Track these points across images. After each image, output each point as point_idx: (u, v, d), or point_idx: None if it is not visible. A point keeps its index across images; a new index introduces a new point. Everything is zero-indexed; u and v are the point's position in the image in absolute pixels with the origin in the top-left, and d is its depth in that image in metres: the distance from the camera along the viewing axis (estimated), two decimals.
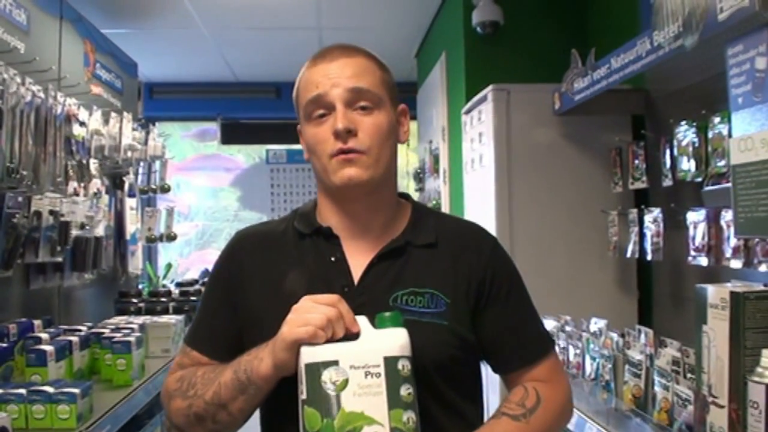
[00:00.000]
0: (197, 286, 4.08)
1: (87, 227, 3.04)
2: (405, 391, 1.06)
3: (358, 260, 1.26)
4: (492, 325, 1.27)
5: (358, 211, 1.28)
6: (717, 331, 1.50)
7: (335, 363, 1.06)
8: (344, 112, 1.22)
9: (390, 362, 1.06)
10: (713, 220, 2.08)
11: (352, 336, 1.10)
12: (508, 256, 1.36)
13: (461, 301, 1.25)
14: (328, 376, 1.05)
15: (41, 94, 2.62)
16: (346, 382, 1.05)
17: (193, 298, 3.67)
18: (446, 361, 1.22)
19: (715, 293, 1.51)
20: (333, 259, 1.27)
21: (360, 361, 1.06)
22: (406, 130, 1.35)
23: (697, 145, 2.16)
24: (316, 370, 1.06)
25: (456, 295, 1.24)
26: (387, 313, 1.12)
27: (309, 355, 1.07)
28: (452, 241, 1.31)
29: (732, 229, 1.88)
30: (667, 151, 2.35)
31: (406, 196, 1.39)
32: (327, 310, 1.09)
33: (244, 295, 1.29)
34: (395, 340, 1.09)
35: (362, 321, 1.12)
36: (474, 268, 1.27)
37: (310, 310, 1.09)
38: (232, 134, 6.45)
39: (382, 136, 1.25)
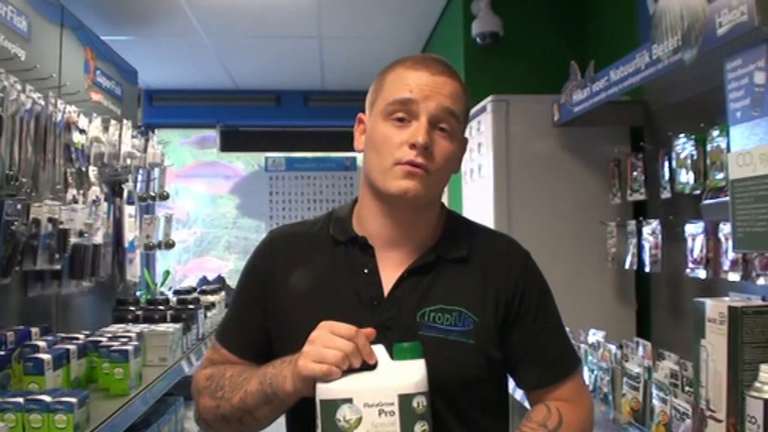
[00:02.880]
0: (195, 294, 4.08)
1: (85, 235, 3.04)
2: (419, 428, 1.06)
3: (389, 273, 1.26)
4: (518, 343, 1.26)
5: (401, 222, 1.27)
6: (715, 345, 1.50)
7: (349, 401, 1.05)
8: (428, 128, 1.20)
9: (404, 400, 1.05)
10: (711, 233, 2.09)
11: (368, 366, 1.09)
12: (539, 271, 1.35)
13: (489, 319, 1.24)
14: (342, 413, 1.05)
15: (41, 102, 2.62)
16: (359, 420, 1.05)
17: (190, 306, 3.66)
18: (471, 381, 1.22)
19: (713, 308, 1.51)
20: (366, 270, 1.26)
21: (374, 399, 1.05)
22: (461, 162, 1.35)
23: (695, 157, 2.17)
24: (330, 406, 1.06)
25: (484, 312, 1.24)
26: (405, 344, 1.11)
27: (323, 391, 1.07)
28: (484, 255, 1.30)
29: (730, 242, 1.88)
30: (666, 164, 2.35)
31: (441, 206, 1.37)
32: (344, 345, 1.07)
33: (274, 296, 1.29)
34: (411, 375, 1.08)
35: (380, 351, 1.11)
36: (504, 284, 1.27)
37: (327, 344, 1.08)
38: (232, 141, 6.46)
39: (450, 163, 1.25)
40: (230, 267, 6.58)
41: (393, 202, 1.25)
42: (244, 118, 6.35)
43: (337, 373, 1.06)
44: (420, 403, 1.06)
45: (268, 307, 1.30)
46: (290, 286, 1.28)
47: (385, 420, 1.05)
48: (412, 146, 1.19)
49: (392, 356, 1.10)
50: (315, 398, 1.08)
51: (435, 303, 1.22)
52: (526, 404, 1.36)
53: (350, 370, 1.08)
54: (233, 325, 1.37)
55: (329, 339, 1.08)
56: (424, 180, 1.20)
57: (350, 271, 1.27)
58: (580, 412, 1.28)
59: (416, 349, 1.10)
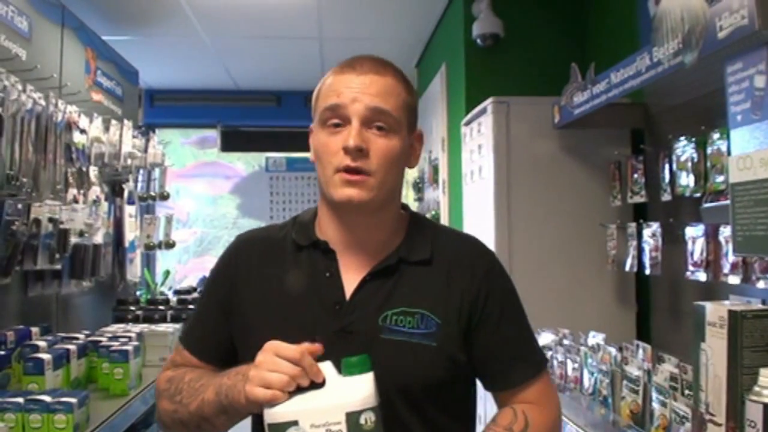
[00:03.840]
0: (195, 294, 4.08)
1: (86, 234, 3.04)
2: None
3: (352, 276, 1.24)
4: (483, 345, 1.25)
5: (357, 226, 1.26)
6: (715, 349, 1.50)
7: (295, 423, 1.04)
8: (359, 129, 1.19)
9: (352, 418, 1.04)
10: (712, 236, 2.09)
11: (316, 385, 1.07)
12: (505, 273, 1.33)
13: (453, 321, 1.22)
14: None
15: (42, 102, 2.63)
16: None
17: (190, 306, 3.66)
18: (434, 383, 1.21)
19: (713, 311, 1.51)
20: (328, 274, 1.25)
21: (320, 419, 1.04)
22: (418, 155, 1.34)
23: (696, 160, 2.17)
24: (277, 430, 1.05)
25: (448, 314, 1.22)
26: (353, 358, 1.08)
27: (270, 416, 1.06)
28: (448, 257, 1.28)
29: (731, 245, 1.88)
30: (666, 166, 2.35)
31: (404, 207, 1.36)
32: (289, 369, 1.05)
33: (238, 301, 1.29)
34: (358, 392, 1.06)
35: (327, 368, 1.09)
36: (468, 286, 1.25)
37: (272, 368, 1.06)
38: (232, 142, 6.46)
39: (391, 161, 1.22)
40: None
41: (342, 210, 1.24)
42: (244, 119, 6.35)
43: (281, 397, 1.05)
44: (368, 419, 1.04)
45: (233, 311, 1.29)
46: (254, 291, 1.28)
47: None
48: (346, 151, 1.18)
49: (340, 371, 1.08)
50: (264, 422, 1.07)
51: (397, 306, 1.21)
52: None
53: (299, 389, 1.06)
54: (197, 329, 1.35)
55: (274, 363, 1.07)
56: (365, 184, 1.19)
57: (312, 275, 1.26)
58: (547, 414, 1.26)
59: (364, 363, 1.08)
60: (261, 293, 1.27)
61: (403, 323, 1.20)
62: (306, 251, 1.28)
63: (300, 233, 1.30)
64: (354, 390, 1.06)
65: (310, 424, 1.03)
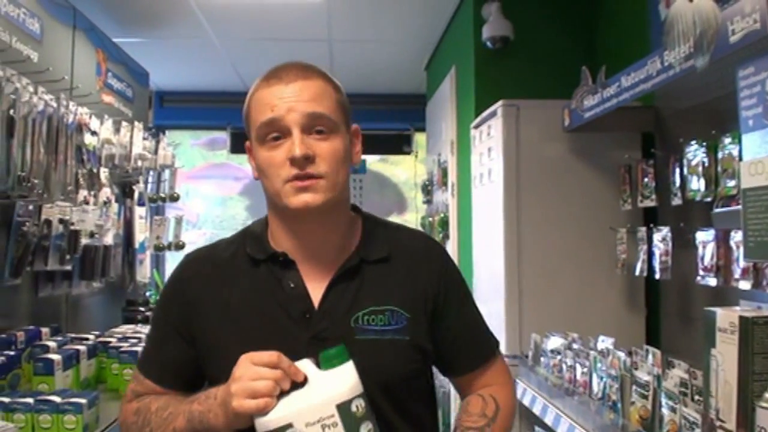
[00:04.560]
0: None
1: (96, 236, 3.06)
2: (365, 429, 1.07)
3: (316, 284, 1.25)
4: (446, 332, 1.30)
5: (312, 232, 1.26)
6: (725, 355, 1.49)
7: (290, 426, 1.04)
8: (301, 138, 1.19)
9: (343, 408, 1.05)
10: (722, 241, 2.07)
11: (299, 384, 1.08)
12: (452, 260, 1.40)
13: (420, 314, 1.27)
14: None
15: (53, 104, 2.64)
16: None
17: None
18: (410, 375, 1.25)
19: (724, 317, 1.50)
20: (292, 285, 1.25)
21: (313, 417, 1.05)
22: (358, 150, 1.34)
23: (707, 164, 2.16)
24: None
25: (415, 307, 1.26)
26: (331, 350, 1.09)
27: (263, 425, 1.06)
28: (405, 253, 1.32)
29: (741, 250, 1.87)
30: (677, 170, 2.34)
31: (356, 209, 1.37)
32: (270, 374, 1.06)
33: (197, 325, 1.27)
34: (343, 382, 1.07)
35: (306, 365, 1.10)
36: (428, 279, 1.30)
37: (254, 377, 1.07)
38: (242, 143, 6.43)
39: (338, 162, 1.22)
40: None
41: (298, 217, 1.24)
42: None
43: (271, 403, 1.05)
44: (359, 405, 1.07)
45: (194, 336, 1.27)
46: (215, 312, 1.26)
47: None
48: (292, 161, 1.18)
49: (319, 366, 1.09)
50: None
51: (366, 306, 1.23)
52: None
53: (282, 393, 1.07)
54: (154, 355, 1.34)
55: (254, 372, 1.07)
56: (318, 187, 1.19)
57: (275, 287, 1.25)
58: (508, 391, 1.36)
59: (342, 353, 1.09)
60: (223, 313, 1.26)
61: (375, 321, 1.23)
62: (264, 265, 1.28)
63: (254, 247, 1.29)
64: (339, 381, 1.08)
65: (305, 423, 1.04)
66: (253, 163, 1.29)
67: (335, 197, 1.23)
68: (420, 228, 4.85)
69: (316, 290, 1.24)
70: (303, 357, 1.11)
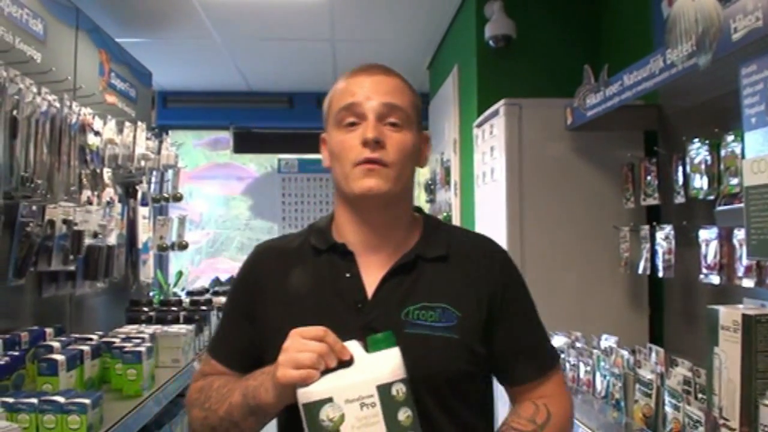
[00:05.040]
0: (208, 296, 4.10)
1: (99, 236, 3.06)
2: (403, 415, 1.07)
3: (371, 276, 1.28)
4: (503, 339, 1.29)
5: (375, 223, 1.31)
6: (728, 353, 1.49)
7: (330, 400, 1.07)
8: (375, 123, 1.25)
9: (383, 390, 1.07)
10: (725, 239, 2.07)
11: (345, 363, 1.10)
12: (518, 269, 1.38)
13: (473, 314, 1.26)
14: (324, 414, 1.06)
15: (57, 104, 2.64)
16: (342, 417, 1.06)
17: (203, 307, 3.68)
18: (456, 375, 1.24)
19: (726, 315, 1.50)
20: (348, 275, 1.29)
21: (353, 394, 1.07)
22: (426, 156, 1.39)
23: (709, 163, 2.16)
24: (313, 409, 1.07)
25: (467, 308, 1.26)
26: (379, 335, 1.12)
27: (304, 395, 1.08)
28: (463, 254, 1.33)
29: (744, 248, 1.87)
30: (680, 169, 2.34)
31: (418, 210, 1.41)
32: (316, 347, 1.09)
33: (262, 309, 1.33)
34: (386, 365, 1.09)
35: (354, 346, 1.12)
36: (485, 281, 1.30)
37: (300, 349, 1.10)
38: (245, 143, 6.47)
39: (406, 154, 1.28)
40: None
41: (362, 204, 1.29)
42: (257, 120, 6.36)
43: (314, 375, 1.08)
44: (399, 390, 1.08)
45: (256, 318, 1.33)
46: (276, 297, 1.32)
47: (368, 412, 1.06)
48: (365, 143, 1.24)
49: (367, 350, 1.12)
50: (298, 404, 1.10)
51: (418, 301, 1.25)
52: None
53: (328, 370, 1.09)
54: (222, 338, 1.40)
55: (301, 344, 1.11)
56: (383, 174, 1.24)
57: (333, 276, 1.30)
58: (564, 406, 1.31)
59: (389, 339, 1.12)
60: (283, 298, 1.31)
61: (425, 317, 1.24)
62: (325, 255, 1.33)
63: (318, 238, 1.35)
64: (383, 364, 1.09)
65: (345, 400, 1.06)
66: (325, 153, 1.36)
67: (398, 189, 1.28)
68: None
69: (371, 282, 1.28)
70: None
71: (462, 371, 1.24)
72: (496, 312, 1.28)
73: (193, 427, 1.33)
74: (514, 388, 1.34)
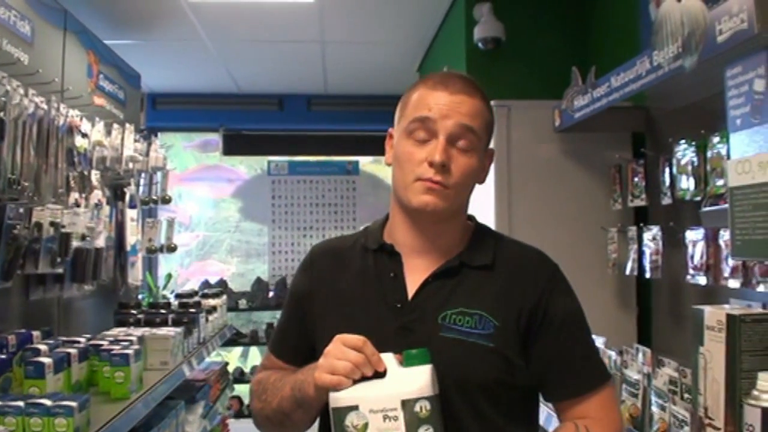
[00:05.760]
0: (197, 298, 4.08)
1: (87, 238, 3.05)
2: (423, 431, 1.10)
3: (415, 277, 1.31)
4: (543, 352, 1.28)
5: (426, 231, 1.33)
6: (713, 353, 1.50)
7: (356, 408, 1.12)
8: (445, 146, 1.25)
9: (408, 405, 1.11)
10: (712, 240, 2.09)
11: (379, 374, 1.15)
12: (568, 284, 1.37)
13: (511, 325, 1.26)
14: (350, 420, 1.12)
15: (44, 106, 2.63)
16: (366, 425, 1.11)
17: (192, 310, 3.66)
18: (491, 383, 1.24)
19: (711, 315, 1.51)
20: (392, 275, 1.32)
21: (378, 405, 1.12)
22: (488, 171, 1.40)
23: (696, 164, 2.17)
24: (340, 414, 1.13)
25: (506, 318, 1.27)
26: (414, 351, 1.16)
27: (334, 400, 1.15)
28: (510, 264, 1.34)
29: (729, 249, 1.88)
30: (667, 170, 2.36)
31: (471, 218, 1.43)
32: (353, 356, 1.14)
33: (314, 307, 1.38)
34: (415, 381, 1.13)
35: (389, 359, 1.17)
36: (529, 293, 1.29)
37: (339, 356, 1.15)
38: (234, 145, 6.46)
39: (469, 178, 1.30)
40: (232, 270, 6.59)
41: (416, 215, 1.31)
42: (246, 122, 6.35)
43: (346, 382, 1.14)
44: (423, 407, 1.11)
45: (309, 316, 1.39)
46: (327, 295, 1.37)
47: (390, 425, 1.11)
48: (431, 164, 1.25)
49: (402, 363, 1.16)
50: (329, 407, 1.16)
51: (456, 306, 1.27)
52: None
53: (363, 379, 1.14)
54: (280, 333, 1.48)
55: (341, 351, 1.16)
56: (442, 194, 1.26)
57: (378, 275, 1.34)
58: (608, 428, 1.28)
59: (424, 356, 1.16)
60: (333, 296, 1.36)
61: (461, 323, 1.26)
62: (373, 254, 1.37)
63: (369, 238, 1.39)
64: (412, 380, 1.13)
65: (369, 410, 1.12)
66: (389, 151, 1.37)
67: (455, 207, 1.31)
68: None
69: (413, 284, 1.30)
70: (390, 343, 1.19)
71: (496, 380, 1.25)
72: (537, 325, 1.28)
73: (254, 416, 1.42)
74: (556, 405, 1.33)
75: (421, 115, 1.27)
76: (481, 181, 1.37)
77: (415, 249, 1.33)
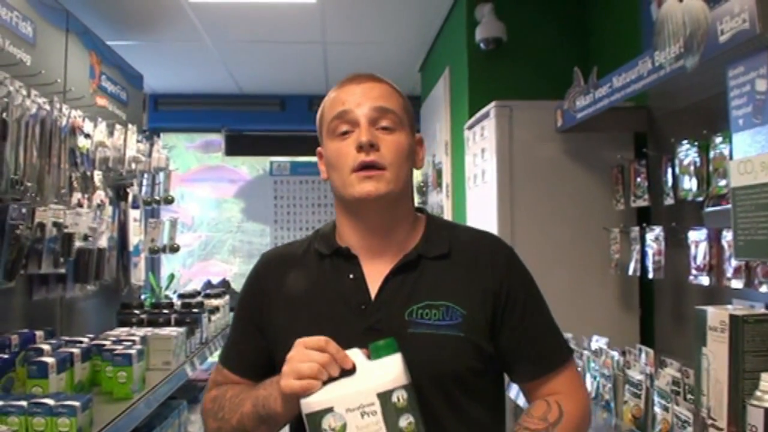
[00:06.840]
0: (199, 298, 4.09)
1: (90, 239, 3.05)
2: (404, 421, 1.08)
3: (375, 278, 1.30)
4: (509, 335, 1.29)
5: (376, 227, 1.32)
6: (716, 353, 1.50)
7: (331, 410, 1.08)
8: (368, 128, 1.27)
9: (384, 397, 1.08)
10: (714, 240, 2.08)
11: (347, 372, 1.11)
12: (524, 266, 1.38)
13: (477, 312, 1.27)
14: (327, 423, 1.08)
15: (47, 107, 2.64)
16: (344, 426, 1.08)
17: (195, 310, 3.67)
18: (464, 372, 1.25)
19: (714, 316, 1.51)
20: (351, 276, 1.30)
21: (354, 403, 1.08)
22: (422, 157, 1.40)
23: (698, 164, 2.17)
24: (315, 419, 1.09)
25: (472, 305, 1.27)
26: (380, 342, 1.13)
27: (306, 406, 1.10)
28: (466, 251, 1.33)
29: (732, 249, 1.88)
30: (669, 170, 2.35)
31: (421, 210, 1.42)
32: (318, 357, 1.11)
33: (269, 316, 1.34)
34: (387, 372, 1.10)
35: (355, 354, 1.13)
36: (489, 278, 1.30)
37: (302, 359, 1.12)
38: (237, 146, 6.47)
39: (402, 154, 1.29)
40: (235, 270, 6.60)
41: (362, 208, 1.30)
42: (248, 123, 6.36)
43: (315, 385, 1.10)
44: (400, 397, 1.08)
45: (265, 326, 1.34)
46: (283, 303, 1.33)
47: (369, 420, 1.07)
48: (360, 148, 1.26)
49: (369, 357, 1.13)
50: (302, 414, 1.11)
51: (421, 300, 1.26)
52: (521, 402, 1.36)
53: (331, 380, 1.10)
54: (233, 347, 1.42)
55: (304, 354, 1.12)
56: (382, 178, 1.26)
57: (337, 279, 1.31)
58: (577, 404, 1.30)
59: (391, 345, 1.13)
60: (290, 304, 1.32)
61: (429, 316, 1.25)
62: (329, 259, 1.34)
63: (322, 243, 1.36)
64: (384, 371, 1.10)
65: (346, 409, 1.08)
66: (322, 166, 1.37)
67: (397, 191, 1.29)
68: None
69: (374, 284, 1.29)
70: (359, 347, 1.15)
71: (469, 369, 1.25)
72: (501, 308, 1.29)
73: None
74: (525, 386, 1.35)
75: (338, 110, 1.30)
76: (418, 165, 1.38)
77: (370, 249, 1.32)
